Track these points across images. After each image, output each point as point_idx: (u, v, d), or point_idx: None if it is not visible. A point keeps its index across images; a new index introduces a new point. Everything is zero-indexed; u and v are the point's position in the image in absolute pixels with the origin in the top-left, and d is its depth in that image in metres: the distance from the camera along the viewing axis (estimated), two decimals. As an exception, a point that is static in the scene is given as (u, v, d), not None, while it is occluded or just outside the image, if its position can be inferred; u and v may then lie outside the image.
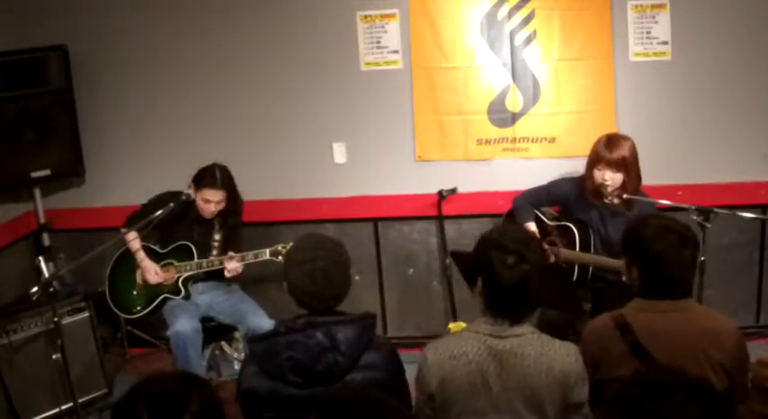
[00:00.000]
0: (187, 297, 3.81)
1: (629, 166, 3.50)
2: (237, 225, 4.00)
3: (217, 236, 3.93)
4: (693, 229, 2.42)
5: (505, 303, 2.17)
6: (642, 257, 2.33)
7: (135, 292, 3.87)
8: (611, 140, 3.55)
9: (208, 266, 3.81)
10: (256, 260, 3.76)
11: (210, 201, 3.78)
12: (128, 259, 3.90)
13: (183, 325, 3.59)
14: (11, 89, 4.03)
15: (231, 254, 3.78)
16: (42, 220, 4.45)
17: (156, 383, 1.64)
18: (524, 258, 2.12)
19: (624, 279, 3.16)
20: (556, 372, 2.12)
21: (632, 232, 2.42)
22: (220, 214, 3.88)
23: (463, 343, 2.18)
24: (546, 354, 2.14)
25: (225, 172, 3.82)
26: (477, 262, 2.21)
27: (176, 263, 3.83)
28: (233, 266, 3.75)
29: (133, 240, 3.78)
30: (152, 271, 3.81)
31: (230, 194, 3.83)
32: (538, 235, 3.74)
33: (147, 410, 1.56)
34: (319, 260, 2.30)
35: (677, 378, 1.57)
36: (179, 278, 3.81)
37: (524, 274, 2.12)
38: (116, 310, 3.88)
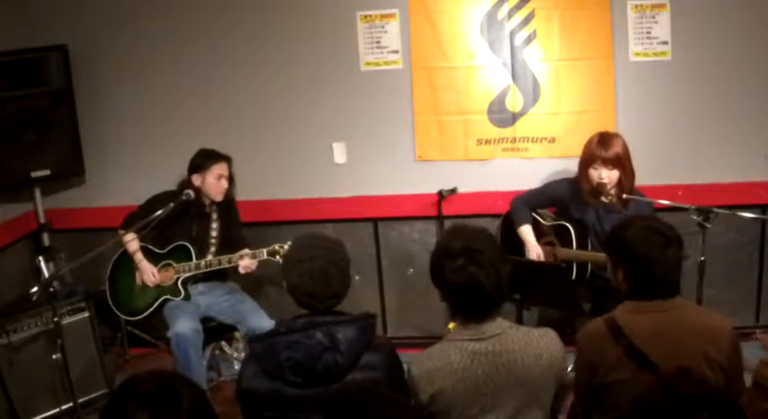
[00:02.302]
0: (187, 298, 3.81)
1: (624, 163, 3.52)
2: (233, 205, 4.01)
3: (214, 233, 3.93)
4: (688, 229, 2.42)
5: (464, 305, 2.19)
6: (627, 259, 2.33)
7: (135, 294, 3.87)
8: (604, 138, 3.57)
9: (206, 267, 3.81)
10: (255, 260, 3.77)
11: (222, 176, 3.83)
12: (127, 260, 3.90)
13: (184, 326, 3.58)
14: (11, 89, 4.03)
15: (246, 251, 3.79)
16: (42, 220, 4.46)
17: (140, 385, 1.61)
18: (472, 258, 2.12)
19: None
20: (544, 360, 2.16)
21: (616, 235, 2.42)
22: (218, 202, 3.89)
23: (444, 354, 2.18)
24: (530, 344, 2.16)
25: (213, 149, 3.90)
26: (431, 271, 2.23)
27: (175, 264, 3.83)
28: (246, 263, 3.75)
29: (131, 241, 3.78)
30: (149, 273, 3.81)
31: (230, 166, 3.90)
32: (534, 238, 3.74)
33: (144, 412, 1.55)
34: (318, 259, 2.30)
35: (703, 392, 1.52)
36: (178, 279, 3.81)
37: (471, 275, 2.12)
38: (117, 312, 3.89)
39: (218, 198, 3.86)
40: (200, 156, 3.85)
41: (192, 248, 3.82)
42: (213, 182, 3.81)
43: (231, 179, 3.92)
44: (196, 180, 3.83)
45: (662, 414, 1.49)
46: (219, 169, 3.81)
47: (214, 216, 3.93)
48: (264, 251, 3.74)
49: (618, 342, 2.25)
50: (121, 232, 3.81)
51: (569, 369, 2.33)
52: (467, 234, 2.22)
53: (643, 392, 1.59)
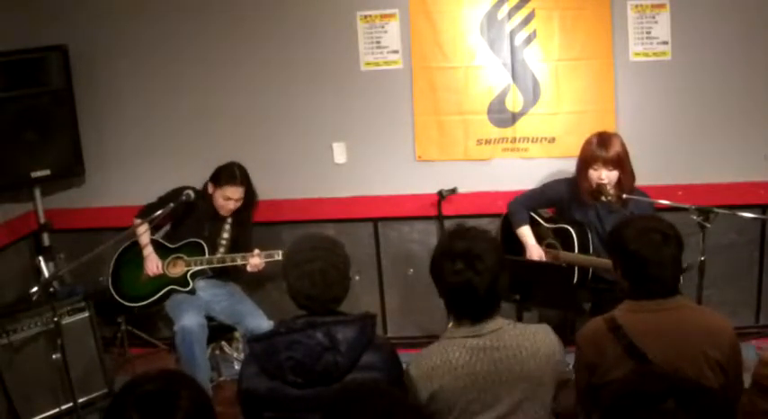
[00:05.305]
0: (192, 291, 3.83)
1: (624, 163, 3.52)
2: (249, 221, 4.03)
3: (225, 235, 3.96)
4: (688, 229, 2.42)
5: (458, 306, 2.21)
6: (623, 258, 2.34)
7: (139, 284, 3.87)
8: (604, 139, 3.56)
9: (218, 262, 3.83)
10: (269, 260, 3.78)
11: (231, 199, 3.84)
12: (134, 253, 3.92)
13: (190, 320, 3.59)
14: (11, 89, 4.03)
15: (256, 251, 3.80)
16: (42, 220, 4.46)
17: (142, 384, 1.62)
18: (471, 263, 2.13)
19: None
20: (542, 354, 2.17)
21: (615, 233, 2.43)
22: (234, 212, 3.91)
23: (443, 352, 2.19)
24: (527, 339, 2.18)
25: (242, 169, 3.90)
26: (431, 267, 2.25)
27: (186, 257, 3.84)
28: (255, 262, 3.77)
29: (143, 233, 3.81)
30: (153, 263, 3.83)
31: (248, 191, 3.90)
32: (533, 239, 3.74)
33: (137, 413, 1.55)
34: (317, 261, 2.29)
35: (667, 384, 1.55)
36: (188, 271, 3.82)
37: (468, 280, 2.13)
38: (118, 298, 3.88)
39: (222, 213, 3.90)
40: (221, 171, 3.86)
41: (204, 245, 3.84)
42: (220, 201, 3.85)
43: (250, 195, 3.92)
44: (210, 188, 3.87)
45: (629, 406, 1.51)
46: (230, 192, 3.83)
47: (229, 220, 3.96)
48: (280, 252, 3.73)
49: (618, 341, 2.26)
50: (137, 221, 3.83)
51: (570, 366, 2.33)
52: (470, 237, 2.22)
53: (613, 398, 1.60)
